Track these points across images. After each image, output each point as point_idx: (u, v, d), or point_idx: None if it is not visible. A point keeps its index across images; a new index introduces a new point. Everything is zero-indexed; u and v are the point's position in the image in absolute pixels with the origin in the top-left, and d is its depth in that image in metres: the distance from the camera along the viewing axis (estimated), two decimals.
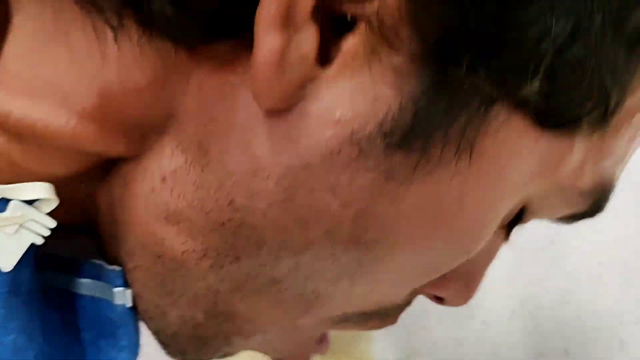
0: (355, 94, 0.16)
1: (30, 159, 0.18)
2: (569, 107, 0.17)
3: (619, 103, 0.18)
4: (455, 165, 0.17)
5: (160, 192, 0.19)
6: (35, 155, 0.18)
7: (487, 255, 0.24)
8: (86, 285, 0.23)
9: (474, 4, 0.15)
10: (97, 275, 0.22)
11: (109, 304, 0.22)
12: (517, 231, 0.23)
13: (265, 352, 0.26)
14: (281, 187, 0.17)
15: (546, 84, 0.16)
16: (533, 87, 0.16)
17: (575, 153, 0.19)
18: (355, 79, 0.16)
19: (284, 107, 0.16)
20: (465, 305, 0.43)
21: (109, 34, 0.17)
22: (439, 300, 0.26)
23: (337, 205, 0.17)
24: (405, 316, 0.43)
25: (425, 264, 0.20)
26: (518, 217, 0.21)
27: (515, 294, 0.45)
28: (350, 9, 0.15)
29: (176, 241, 0.19)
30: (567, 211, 0.22)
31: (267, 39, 0.15)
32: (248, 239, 0.19)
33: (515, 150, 0.18)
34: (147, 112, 0.18)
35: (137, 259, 0.21)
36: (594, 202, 0.21)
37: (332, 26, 0.16)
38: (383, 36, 0.15)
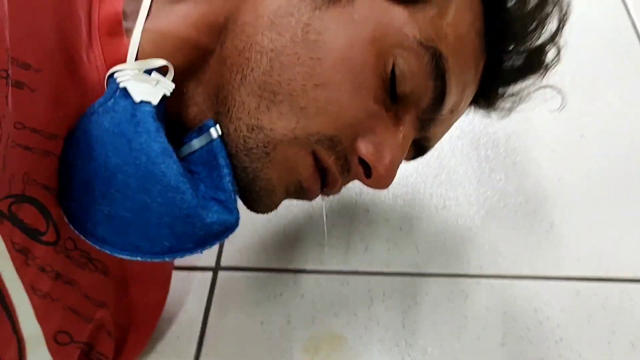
0: None
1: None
2: None
3: None
4: None
5: None
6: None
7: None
8: (195, 143, 0.34)
9: None
10: (200, 130, 0.34)
11: (210, 143, 0.33)
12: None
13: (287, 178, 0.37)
14: None
15: None
16: None
17: None
18: None
19: None
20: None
21: None
22: (366, 173, 0.37)
23: None
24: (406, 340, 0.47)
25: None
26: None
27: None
28: None
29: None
30: None
31: None
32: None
33: None
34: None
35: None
36: None
37: None
38: None
